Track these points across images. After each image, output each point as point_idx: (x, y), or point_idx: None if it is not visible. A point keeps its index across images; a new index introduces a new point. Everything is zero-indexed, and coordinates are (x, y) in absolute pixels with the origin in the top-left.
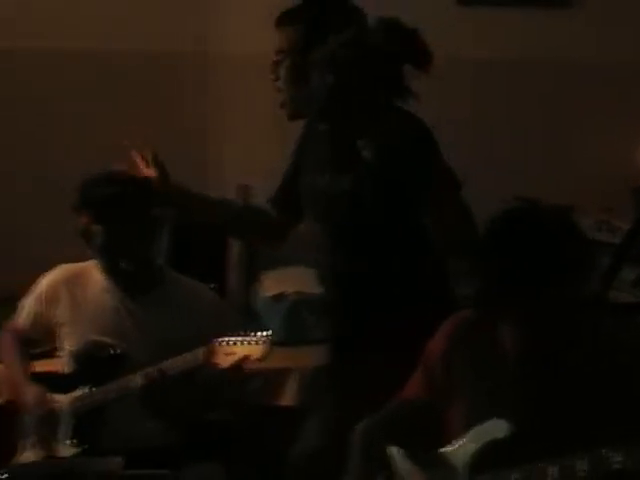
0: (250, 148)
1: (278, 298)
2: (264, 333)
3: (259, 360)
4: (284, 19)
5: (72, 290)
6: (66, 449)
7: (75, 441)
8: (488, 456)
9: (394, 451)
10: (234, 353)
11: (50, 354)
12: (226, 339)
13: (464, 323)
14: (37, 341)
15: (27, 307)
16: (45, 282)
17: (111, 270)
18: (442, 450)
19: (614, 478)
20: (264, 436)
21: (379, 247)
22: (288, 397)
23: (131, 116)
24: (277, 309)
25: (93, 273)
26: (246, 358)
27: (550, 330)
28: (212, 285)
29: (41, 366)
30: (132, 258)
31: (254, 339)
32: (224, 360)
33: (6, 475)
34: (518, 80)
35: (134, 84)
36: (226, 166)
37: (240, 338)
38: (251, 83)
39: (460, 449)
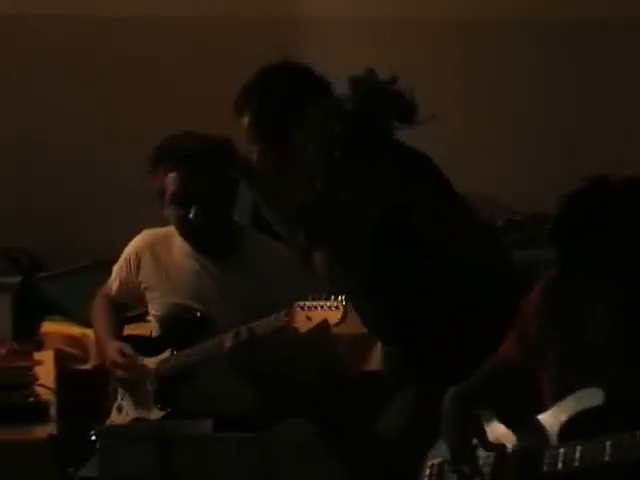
0: None
1: None
2: (340, 298)
3: (336, 325)
4: (235, 108)
5: (156, 255)
6: (152, 411)
7: (160, 404)
8: (580, 423)
9: (487, 415)
10: (312, 318)
11: (142, 318)
12: (306, 303)
13: (558, 283)
14: (127, 305)
15: (115, 273)
16: (130, 248)
17: (183, 224)
18: (535, 415)
19: None
20: (352, 400)
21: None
22: (374, 362)
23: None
24: None
25: (176, 238)
26: (323, 323)
27: None
28: None
29: (133, 330)
30: (206, 213)
31: (331, 304)
32: (303, 324)
33: (95, 436)
34: None
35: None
36: None
37: (318, 303)
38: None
39: (553, 415)
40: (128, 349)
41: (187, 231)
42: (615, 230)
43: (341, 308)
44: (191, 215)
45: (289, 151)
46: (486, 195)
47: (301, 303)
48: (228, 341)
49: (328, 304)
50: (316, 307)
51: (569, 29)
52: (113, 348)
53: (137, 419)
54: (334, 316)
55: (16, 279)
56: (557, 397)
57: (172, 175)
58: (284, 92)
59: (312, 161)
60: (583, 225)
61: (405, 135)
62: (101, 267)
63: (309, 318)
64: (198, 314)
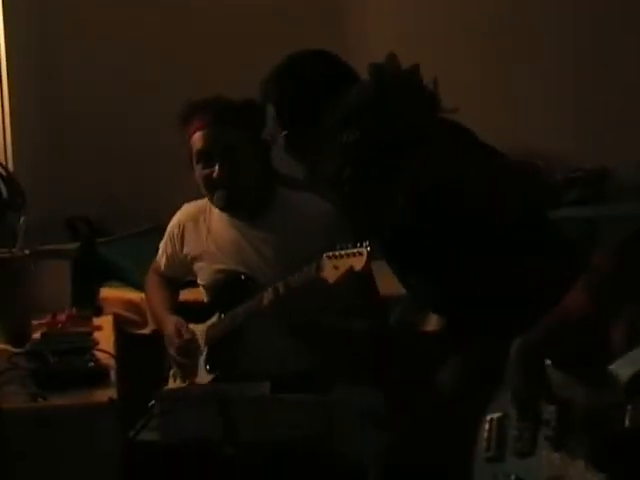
0: None
1: None
2: (364, 244)
3: (362, 271)
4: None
5: (197, 226)
6: (204, 376)
7: (209, 367)
8: None
9: (552, 365)
10: (339, 267)
11: (196, 283)
12: (333, 253)
13: (633, 239)
14: (178, 279)
15: (161, 249)
16: (173, 223)
17: (208, 183)
18: (601, 367)
19: None
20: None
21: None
22: (433, 323)
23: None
24: None
25: (214, 208)
26: (350, 270)
27: None
28: None
29: (188, 295)
30: (229, 170)
31: (356, 251)
32: (331, 274)
33: (153, 400)
34: None
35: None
36: None
37: (344, 251)
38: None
39: (619, 369)
40: (185, 327)
41: (212, 190)
42: None
43: (365, 254)
44: (215, 174)
45: (313, 140)
46: (546, 150)
47: (329, 253)
48: (267, 298)
49: (353, 251)
50: (342, 256)
51: None
52: (171, 325)
53: (191, 384)
54: (358, 262)
55: (74, 246)
56: (627, 348)
57: (198, 134)
58: (308, 79)
59: (338, 155)
60: None
61: (479, 92)
62: (158, 232)
63: (336, 267)
64: (242, 276)
